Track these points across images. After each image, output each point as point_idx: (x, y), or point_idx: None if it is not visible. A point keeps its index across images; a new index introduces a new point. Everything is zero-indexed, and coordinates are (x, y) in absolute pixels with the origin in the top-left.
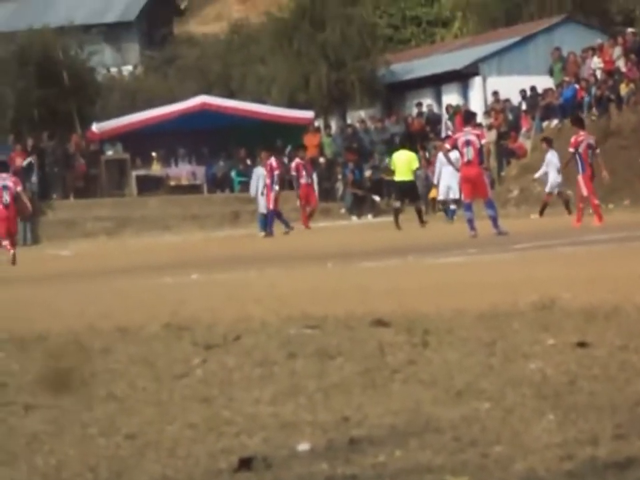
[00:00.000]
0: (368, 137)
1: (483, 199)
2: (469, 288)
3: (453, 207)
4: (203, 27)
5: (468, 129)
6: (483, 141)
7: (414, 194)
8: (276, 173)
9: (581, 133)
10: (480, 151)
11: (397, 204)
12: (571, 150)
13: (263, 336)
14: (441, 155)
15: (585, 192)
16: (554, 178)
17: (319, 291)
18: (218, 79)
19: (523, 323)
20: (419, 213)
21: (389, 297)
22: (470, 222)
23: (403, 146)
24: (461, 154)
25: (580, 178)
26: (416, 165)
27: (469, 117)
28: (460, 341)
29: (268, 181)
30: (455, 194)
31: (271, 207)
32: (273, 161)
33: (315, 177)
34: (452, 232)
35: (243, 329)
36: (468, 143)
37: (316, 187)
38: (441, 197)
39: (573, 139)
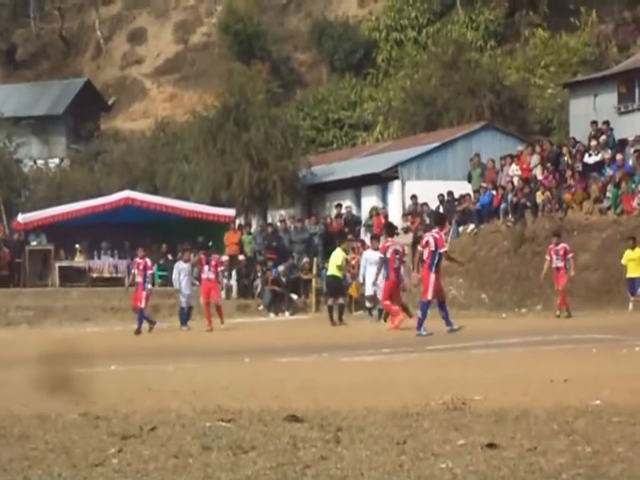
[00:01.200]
0: (287, 236)
1: (421, 297)
2: (382, 387)
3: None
4: (129, 123)
5: (435, 230)
6: (442, 249)
7: (339, 289)
8: (149, 272)
9: (389, 239)
10: (433, 254)
11: (329, 301)
12: (380, 255)
13: (178, 427)
14: (365, 253)
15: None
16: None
17: (235, 385)
18: (143, 174)
19: (434, 423)
20: (341, 309)
21: (303, 393)
22: (445, 318)
23: (339, 244)
24: (391, 261)
25: (384, 283)
26: (339, 262)
27: (441, 219)
28: (371, 438)
29: (140, 279)
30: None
31: (142, 305)
32: (147, 260)
33: (219, 271)
34: (367, 331)
35: (159, 420)
36: (427, 244)
37: (234, 283)
38: (369, 293)
39: (381, 245)
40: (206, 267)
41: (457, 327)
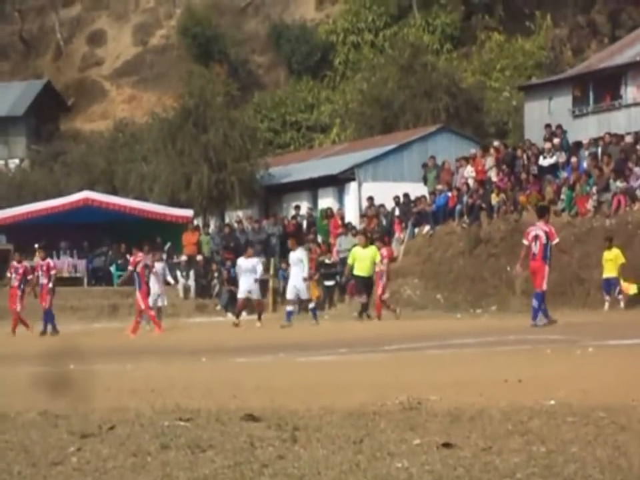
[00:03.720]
0: (244, 237)
1: (535, 289)
2: (339, 387)
3: (311, 305)
4: (88, 124)
5: (539, 223)
6: (554, 241)
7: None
8: (52, 272)
9: (139, 254)
10: (545, 247)
11: (363, 297)
12: (130, 268)
13: (137, 426)
14: (292, 255)
15: (142, 306)
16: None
17: (193, 385)
18: (102, 175)
19: (390, 423)
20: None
21: (261, 393)
22: (544, 311)
23: (371, 241)
24: (530, 247)
25: (137, 294)
26: (377, 258)
27: (543, 211)
28: (328, 438)
29: (45, 281)
30: (304, 294)
31: (47, 305)
32: (49, 260)
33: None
34: (323, 330)
35: (118, 419)
36: (536, 238)
37: (192, 283)
38: (289, 296)
39: (132, 259)
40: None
41: (555, 318)
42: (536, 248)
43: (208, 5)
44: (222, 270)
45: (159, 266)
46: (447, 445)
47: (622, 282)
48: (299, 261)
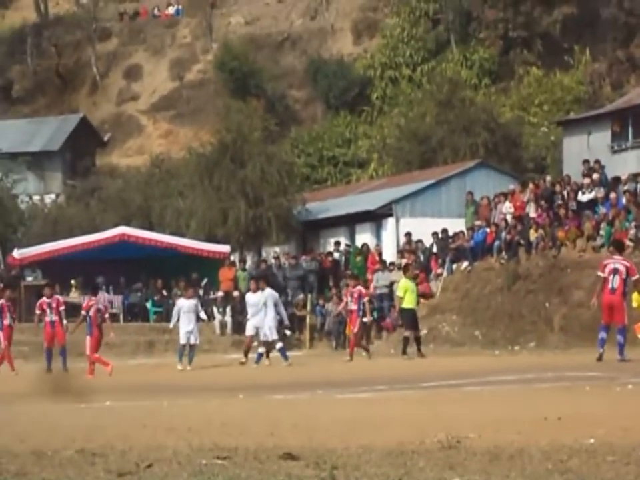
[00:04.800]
0: (281, 273)
1: (619, 324)
2: (377, 424)
3: (279, 345)
4: (125, 159)
5: (618, 257)
6: (633, 278)
7: (416, 322)
8: (61, 309)
9: (93, 298)
10: (625, 281)
11: (406, 333)
12: (83, 313)
13: (174, 465)
14: (255, 296)
15: (87, 351)
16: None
17: (230, 422)
18: (138, 210)
19: (429, 461)
20: (414, 341)
21: (298, 431)
22: (602, 341)
23: (415, 276)
24: (607, 280)
25: (87, 339)
26: (416, 293)
27: (620, 246)
28: (367, 476)
29: (57, 318)
30: (267, 336)
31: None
32: (59, 298)
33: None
34: (360, 367)
35: (155, 457)
36: (615, 271)
37: (229, 319)
38: (249, 333)
39: (84, 304)
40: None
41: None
42: (616, 282)
43: (245, 40)
44: None
45: (191, 303)
46: None
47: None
48: (266, 302)
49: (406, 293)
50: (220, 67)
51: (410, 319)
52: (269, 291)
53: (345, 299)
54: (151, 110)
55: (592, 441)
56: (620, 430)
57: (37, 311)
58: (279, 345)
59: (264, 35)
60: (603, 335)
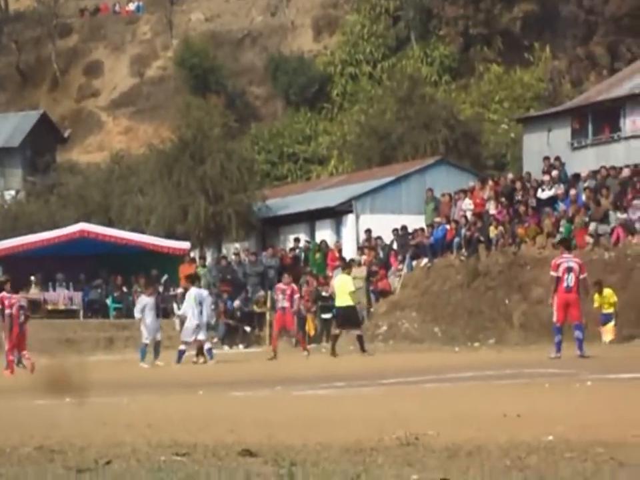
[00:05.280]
0: (241, 269)
1: (575, 321)
2: (336, 421)
3: (207, 345)
4: (85, 155)
5: (569, 255)
6: (581, 276)
7: (353, 319)
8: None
9: (15, 296)
10: (578, 279)
11: (336, 330)
12: (7, 311)
13: (133, 461)
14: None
15: (6, 346)
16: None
17: (189, 419)
18: (98, 207)
19: (388, 458)
20: (359, 340)
21: (257, 428)
22: (558, 344)
23: (342, 270)
24: (561, 279)
25: (2, 335)
26: (351, 288)
27: (568, 245)
28: (325, 473)
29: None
30: (203, 335)
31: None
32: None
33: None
34: (319, 364)
35: (115, 454)
36: (570, 270)
37: None
38: (188, 338)
39: (7, 302)
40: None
41: (559, 355)
42: (571, 280)
43: (205, 37)
44: (219, 303)
45: (151, 300)
46: None
47: (603, 327)
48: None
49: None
50: (180, 63)
51: (341, 316)
52: (195, 289)
53: (282, 297)
54: (111, 106)
55: (550, 437)
56: (578, 427)
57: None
58: (208, 344)
59: (224, 32)
60: (559, 337)
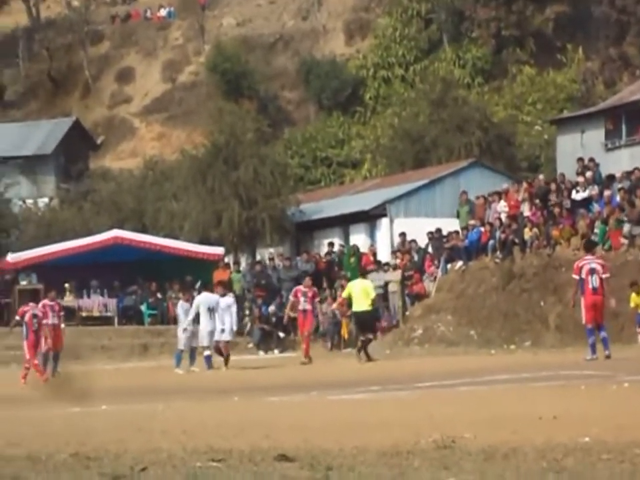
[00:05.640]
0: (276, 274)
1: (600, 322)
2: (372, 425)
3: (207, 353)
4: (118, 162)
5: (591, 257)
6: (604, 276)
7: (369, 325)
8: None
9: (30, 304)
10: (602, 280)
11: (362, 337)
12: (17, 318)
13: (169, 468)
14: (221, 300)
15: (27, 356)
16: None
17: (225, 425)
18: (131, 213)
19: (424, 461)
20: (365, 344)
21: (293, 433)
22: (592, 346)
23: (361, 275)
24: (586, 281)
25: (24, 343)
26: (373, 294)
27: (591, 246)
28: (362, 477)
29: (57, 321)
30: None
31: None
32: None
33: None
34: (355, 368)
35: (150, 461)
36: (593, 271)
37: None
38: (206, 343)
39: (20, 309)
40: (50, 313)
41: (595, 356)
42: (596, 282)
43: (237, 41)
44: (254, 308)
45: (188, 305)
46: None
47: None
48: (227, 307)
49: (353, 294)
50: (212, 68)
51: (359, 321)
52: (230, 296)
53: (304, 299)
54: (144, 112)
55: (587, 439)
56: (615, 428)
57: (18, 317)
58: (208, 352)
59: (256, 36)
60: (593, 338)
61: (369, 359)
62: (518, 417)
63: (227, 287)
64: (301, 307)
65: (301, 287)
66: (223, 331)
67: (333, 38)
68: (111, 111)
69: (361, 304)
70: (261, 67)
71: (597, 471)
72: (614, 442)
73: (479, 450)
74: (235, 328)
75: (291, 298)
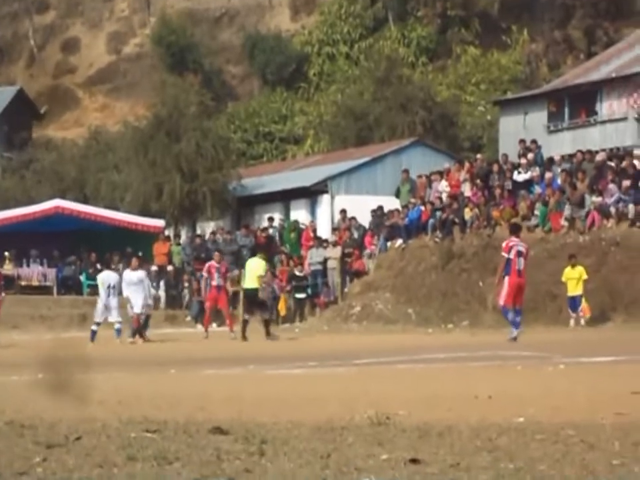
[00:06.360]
0: (215, 248)
1: (519, 305)
2: (307, 400)
3: (117, 326)
4: (61, 132)
5: (517, 239)
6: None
7: (259, 302)
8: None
9: None
10: (526, 263)
11: (245, 316)
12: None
13: (103, 437)
14: (132, 275)
15: None
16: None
17: (160, 396)
18: (73, 183)
19: (358, 438)
20: (265, 323)
21: (229, 405)
22: (514, 322)
23: (254, 254)
24: (513, 262)
25: None
26: (261, 272)
27: (517, 229)
28: (295, 451)
29: None
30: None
31: None
32: None
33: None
34: (293, 343)
35: (85, 430)
36: (520, 254)
37: (162, 294)
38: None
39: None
40: None
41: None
42: (522, 264)
43: (182, 14)
44: (192, 281)
45: (139, 274)
46: (414, 461)
47: (583, 302)
48: (139, 281)
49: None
50: (157, 41)
51: (247, 298)
52: (142, 271)
53: (205, 275)
54: (88, 83)
55: (521, 419)
56: (550, 409)
57: None
58: (118, 325)
59: (202, 10)
60: (512, 315)
61: (244, 337)
62: (454, 395)
63: (141, 262)
64: (214, 282)
65: (213, 263)
66: (132, 306)
67: (279, 13)
68: (55, 81)
69: (251, 282)
70: (206, 41)
71: (530, 450)
72: (548, 423)
73: (414, 427)
74: (150, 302)
75: (204, 274)
